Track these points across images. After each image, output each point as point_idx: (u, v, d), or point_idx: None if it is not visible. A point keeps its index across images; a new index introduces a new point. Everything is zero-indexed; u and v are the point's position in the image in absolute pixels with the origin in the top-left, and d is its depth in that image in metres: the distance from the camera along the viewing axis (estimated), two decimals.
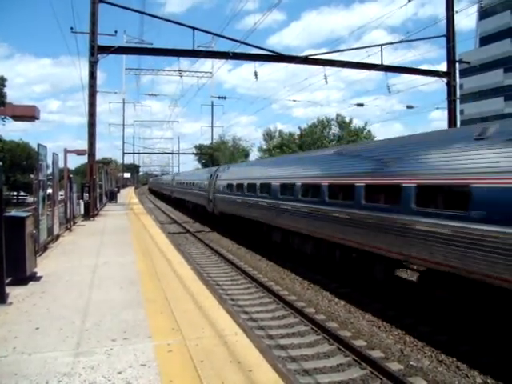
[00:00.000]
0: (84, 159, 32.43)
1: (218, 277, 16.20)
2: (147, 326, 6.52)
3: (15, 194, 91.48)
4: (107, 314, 7.10)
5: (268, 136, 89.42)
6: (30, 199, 69.31)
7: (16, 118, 9.28)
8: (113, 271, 10.52)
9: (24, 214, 9.71)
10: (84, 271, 10.52)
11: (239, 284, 15.19)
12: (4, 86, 66.29)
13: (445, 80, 30.39)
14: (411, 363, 8.37)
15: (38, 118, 9.34)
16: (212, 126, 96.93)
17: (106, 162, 62.25)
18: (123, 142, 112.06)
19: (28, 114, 9.06)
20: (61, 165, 19.14)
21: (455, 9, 28.89)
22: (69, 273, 10.37)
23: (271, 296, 13.33)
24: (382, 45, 28.14)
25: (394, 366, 8.12)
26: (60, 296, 8.29)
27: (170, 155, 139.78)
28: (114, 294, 8.39)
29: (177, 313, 7.15)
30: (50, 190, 15.05)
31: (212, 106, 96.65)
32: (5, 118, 67.83)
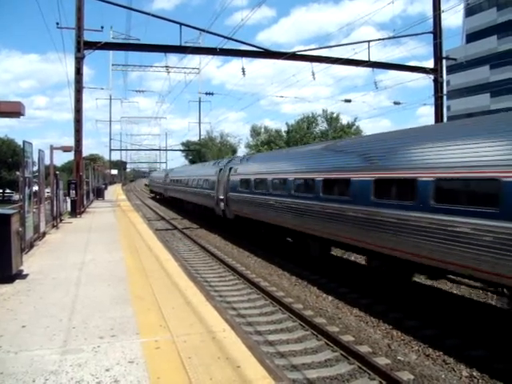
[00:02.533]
0: (71, 156, 32.33)
1: (206, 273, 16.16)
2: (135, 323, 6.49)
3: (1, 191, 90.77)
4: (94, 312, 7.06)
5: (255, 132, 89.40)
6: (16, 196, 68.78)
7: (0, 114, 9.17)
8: (100, 268, 10.46)
9: (10, 212, 9.63)
10: (71, 269, 10.46)
11: (227, 280, 15.16)
12: None
13: (432, 76, 30.57)
14: (399, 358, 8.41)
15: (23, 114, 9.23)
16: (199, 123, 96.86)
17: (93, 159, 61.86)
18: (110, 139, 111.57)
19: (13, 110, 8.95)
20: (47, 162, 19.05)
21: (442, 7, 29.10)
22: (55, 270, 10.30)
23: (259, 292, 13.32)
24: (369, 41, 28.28)
25: (382, 361, 8.15)
26: (47, 294, 8.24)
27: (158, 152, 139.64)
28: (102, 292, 8.35)
29: (165, 309, 7.12)
30: (36, 187, 14.94)
31: (199, 102, 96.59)
32: None
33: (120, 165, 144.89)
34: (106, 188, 59.65)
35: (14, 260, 9.23)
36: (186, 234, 25.75)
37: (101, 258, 11.83)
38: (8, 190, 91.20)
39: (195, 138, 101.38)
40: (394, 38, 27.52)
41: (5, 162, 79.00)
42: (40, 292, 8.38)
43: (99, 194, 45.97)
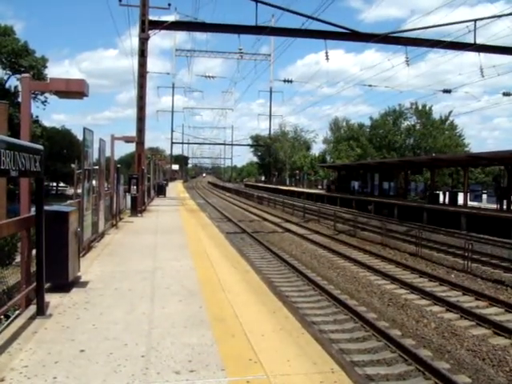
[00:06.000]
0: (128, 149, 32.61)
1: (284, 286, 15.63)
2: (217, 354, 5.71)
3: (54, 184, 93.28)
4: (166, 336, 6.33)
5: (335, 126, 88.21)
6: (71, 191, 70.33)
7: (61, 94, 8.64)
8: (168, 279, 9.81)
9: (67, 209, 9.12)
10: (134, 278, 9.86)
11: (308, 296, 14.60)
12: (45, 66, 67.42)
13: None
14: None
15: (86, 95, 8.71)
16: (270, 115, 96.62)
17: (154, 153, 62.48)
18: (171, 130, 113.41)
19: (75, 90, 8.42)
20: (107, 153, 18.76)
21: None
22: (117, 279, 9.73)
23: (347, 312, 12.60)
24: (475, 20, 26.40)
25: None
26: (108, 309, 7.60)
27: (223, 146, 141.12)
28: (172, 309, 7.64)
29: (252, 337, 6.30)
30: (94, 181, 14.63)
31: (270, 92, 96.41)
32: (45, 101, 69.39)
33: (181, 160, 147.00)
34: (167, 184, 60.16)
35: (71, 265, 8.70)
36: (255, 239, 26.08)
37: (168, 265, 11.21)
38: (62, 184, 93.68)
39: (265, 133, 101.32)
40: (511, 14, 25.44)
41: (59, 154, 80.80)
42: (100, 306, 7.76)
43: (160, 190, 46.17)
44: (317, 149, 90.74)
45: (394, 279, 16.35)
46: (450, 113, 79.33)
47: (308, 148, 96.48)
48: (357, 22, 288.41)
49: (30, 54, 63.92)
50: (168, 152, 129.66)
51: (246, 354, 5.73)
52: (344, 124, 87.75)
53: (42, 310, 7.19)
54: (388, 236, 25.86)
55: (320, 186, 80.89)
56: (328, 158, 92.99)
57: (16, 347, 5.89)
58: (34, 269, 7.68)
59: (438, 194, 43.37)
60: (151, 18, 27.84)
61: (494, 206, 35.22)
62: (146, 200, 29.91)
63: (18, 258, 9.60)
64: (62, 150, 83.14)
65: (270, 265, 19.31)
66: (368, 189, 55.84)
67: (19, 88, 54.20)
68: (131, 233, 17.52)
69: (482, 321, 11.90)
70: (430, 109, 78.34)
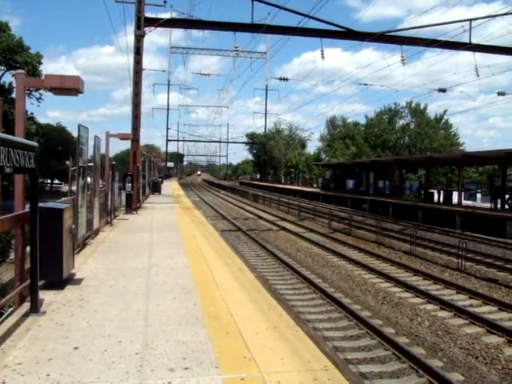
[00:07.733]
0: (123, 146, 32.56)
1: (279, 284, 15.63)
2: (212, 352, 5.71)
3: (49, 181, 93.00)
4: (160, 333, 6.33)
5: (331, 124, 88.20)
6: (65, 188, 70.07)
7: (56, 90, 8.60)
8: (162, 276, 9.79)
9: (62, 206, 9.09)
10: (129, 275, 9.84)
11: (302, 294, 14.61)
12: (40, 63, 67.12)
13: None
14: None
15: (81, 92, 8.68)
16: (265, 113, 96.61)
17: (149, 150, 62.40)
18: (167, 128, 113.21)
19: (70, 86, 8.39)
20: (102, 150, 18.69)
21: None
22: (112, 276, 9.70)
23: (341, 310, 12.64)
24: (471, 20, 26.47)
25: None
26: (102, 306, 7.59)
27: (218, 144, 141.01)
28: (167, 306, 7.64)
29: (246, 335, 6.31)
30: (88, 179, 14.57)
31: (266, 90, 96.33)
32: (40, 97, 69.16)
33: (176, 157, 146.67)
34: (162, 182, 60.07)
35: (66, 262, 8.66)
36: (251, 237, 26.00)
37: (163, 263, 11.19)
38: (56, 181, 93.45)
39: (261, 130, 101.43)
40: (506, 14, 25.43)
41: (54, 151, 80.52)
42: (94, 303, 7.74)
43: (155, 188, 46.09)
44: (312, 147, 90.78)
45: (388, 277, 16.38)
46: (445, 112, 79.60)
47: (303, 146, 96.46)
48: (354, 20, 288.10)
49: (24, 50, 63.55)
50: (163, 149, 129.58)
51: (241, 352, 5.74)
52: (341, 123, 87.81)
53: (35, 308, 7.16)
54: (383, 234, 25.92)
55: (315, 185, 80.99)
56: (323, 156, 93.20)
57: (9, 344, 5.87)
58: (28, 266, 7.66)
59: (433, 193, 43.47)
60: (147, 15, 27.83)
61: (488, 205, 35.33)
62: (140, 197, 29.88)
63: (11, 255, 9.57)
64: (57, 146, 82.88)
65: (265, 263, 19.35)
66: (363, 187, 55.90)
67: (14, 84, 54.03)
68: (126, 230, 17.49)
69: (476, 319, 11.94)
70: (425, 107, 78.59)
